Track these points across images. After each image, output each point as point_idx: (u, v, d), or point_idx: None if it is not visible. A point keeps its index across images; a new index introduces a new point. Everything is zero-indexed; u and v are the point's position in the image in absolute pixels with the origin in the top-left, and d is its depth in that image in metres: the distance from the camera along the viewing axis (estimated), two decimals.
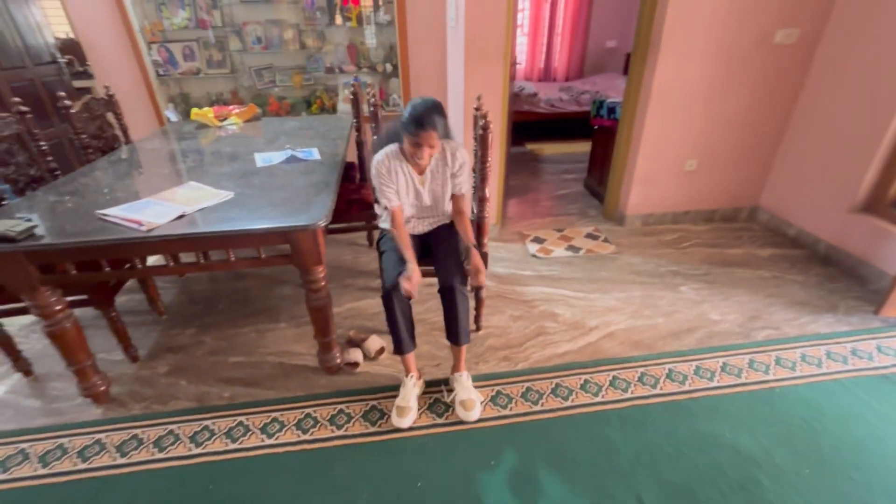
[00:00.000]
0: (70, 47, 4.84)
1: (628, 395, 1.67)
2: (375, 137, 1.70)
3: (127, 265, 1.49)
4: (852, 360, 1.82)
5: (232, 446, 1.50)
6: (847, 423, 1.54)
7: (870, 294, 2.21)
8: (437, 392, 1.69)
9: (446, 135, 1.48)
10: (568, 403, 1.64)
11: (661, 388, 1.70)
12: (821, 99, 2.52)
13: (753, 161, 2.86)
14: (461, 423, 1.56)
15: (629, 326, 2.04)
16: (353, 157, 2.73)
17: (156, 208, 1.44)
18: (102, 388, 1.66)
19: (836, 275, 2.39)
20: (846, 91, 2.37)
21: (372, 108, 2.10)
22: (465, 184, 1.62)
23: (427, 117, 1.38)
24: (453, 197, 1.65)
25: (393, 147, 1.55)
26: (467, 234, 1.63)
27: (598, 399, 1.66)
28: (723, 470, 1.38)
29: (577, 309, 2.17)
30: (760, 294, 2.26)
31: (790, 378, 1.74)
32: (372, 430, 1.55)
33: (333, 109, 3.30)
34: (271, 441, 1.51)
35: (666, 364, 1.82)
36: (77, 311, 1.59)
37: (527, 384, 1.73)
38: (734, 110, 2.67)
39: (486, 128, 1.55)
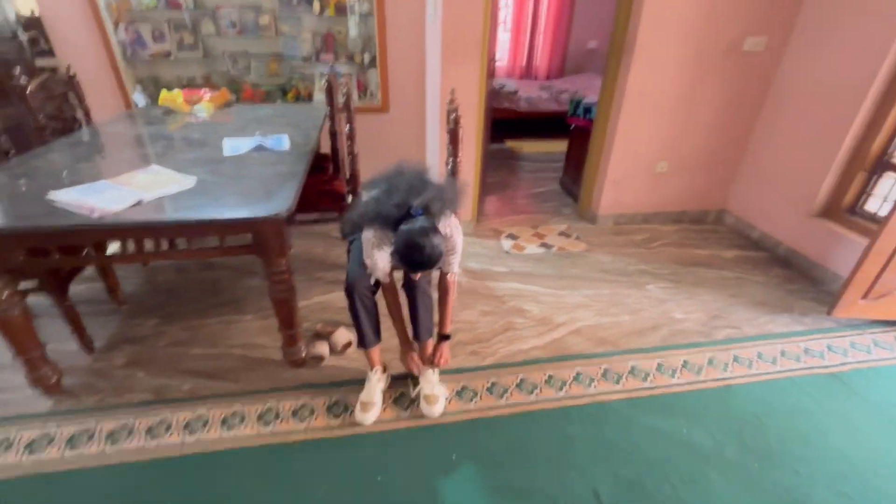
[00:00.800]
0: (34, 24, 4.62)
1: (591, 390, 1.71)
2: (351, 214, 1.44)
3: (83, 252, 1.43)
4: (804, 359, 1.89)
5: (189, 439, 1.46)
6: (795, 418, 1.60)
7: (824, 295, 2.31)
8: (404, 386, 1.68)
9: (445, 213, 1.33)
10: (532, 398, 1.66)
11: (623, 385, 1.74)
12: (783, 107, 2.61)
13: (721, 165, 2.93)
14: (425, 417, 1.57)
15: (595, 323, 2.08)
16: (327, 148, 2.68)
17: (112, 193, 1.39)
18: (53, 380, 1.60)
19: (794, 276, 2.49)
20: (807, 101, 2.45)
21: (344, 99, 2.06)
22: (455, 263, 1.47)
23: (422, 259, 1.19)
24: (441, 273, 1.51)
25: (387, 235, 1.31)
26: (445, 318, 1.57)
27: (562, 394, 1.68)
28: (675, 464, 1.42)
29: (545, 305, 2.19)
30: (723, 294, 2.33)
31: (746, 375, 1.80)
32: (335, 423, 1.54)
33: (309, 98, 3.23)
34: (231, 434, 1.49)
35: (629, 361, 1.86)
36: (31, 299, 1.52)
37: (492, 379, 1.74)
38: (704, 115, 2.73)
39: (456, 122, 1.54)
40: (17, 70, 2.01)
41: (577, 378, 1.76)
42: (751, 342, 1.98)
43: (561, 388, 1.71)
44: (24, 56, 3.59)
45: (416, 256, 1.19)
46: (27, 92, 2.00)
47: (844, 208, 2.36)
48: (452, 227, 1.38)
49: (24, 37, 3.64)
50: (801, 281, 2.45)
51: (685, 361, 1.86)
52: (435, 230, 1.22)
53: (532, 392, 1.69)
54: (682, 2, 2.36)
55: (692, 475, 1.38)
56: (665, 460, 1.43)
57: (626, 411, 1.62)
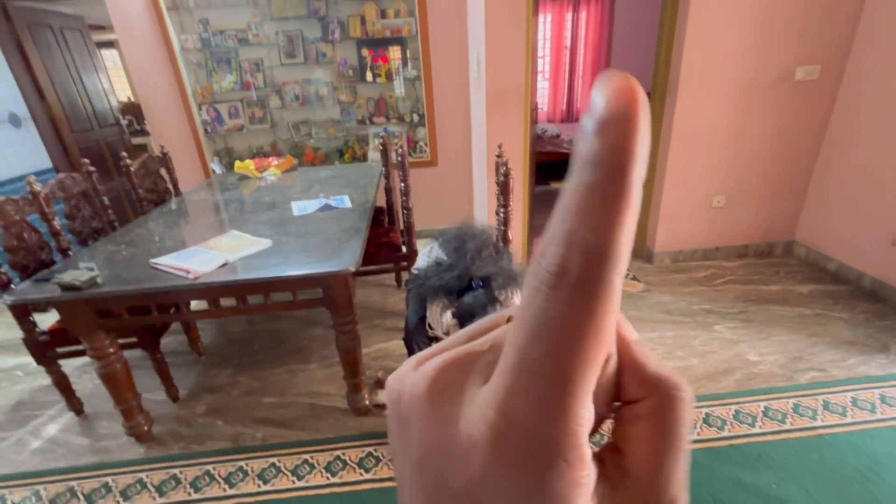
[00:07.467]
0: (130, 109, 5.39)
1: None
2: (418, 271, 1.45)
3: (173, 310, 1.60)
4: None
5: (264, 488, 1.53)
6: None
7: None
8: None
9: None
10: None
11: (698, 434, 1.63)
12: (851, 131, 2.49)
13: (784, 195, 2.80)
14: None
15: None
16: (381, 202, 2.86)
17: (201, 256, 1.56)
18: (146, 428, 1.74)
19: (885, 312, 2.27)
20: (878, 122, 2.33)
21: (399, 158, 2.22)
22: None
23: None
24: None
25: (451, 301, 1.36)
26: None
27: None
28: None
29: None
30: (802, 333, 2.16)
31: (840, 424, 1.64)
32: None
33: (364, 158, 3.49)
34: (301, 483, 1.53)
35: (702, 408, 1.74)
36: (126, 353, 1.70)
37: None
38: (759, 146, 2.66)
39: (507, 174, 1.62)
40: (124, 153, 2.33)
41: None
42: (842, 386, 1.81)
43: None
44: (124, 137, 4.18)
45: None
46: (131, 170, 2.31)
47: None
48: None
49: (123, 121, 4.25)
50: (894, 316, 2.22)
51: (766, 408, 1.73)
52: (494, 301, 1.25)
53: (598, 443, 1.61)
54: (724, 37, 2.38)
55: None
56: None
57: (705, 462, 1.51)
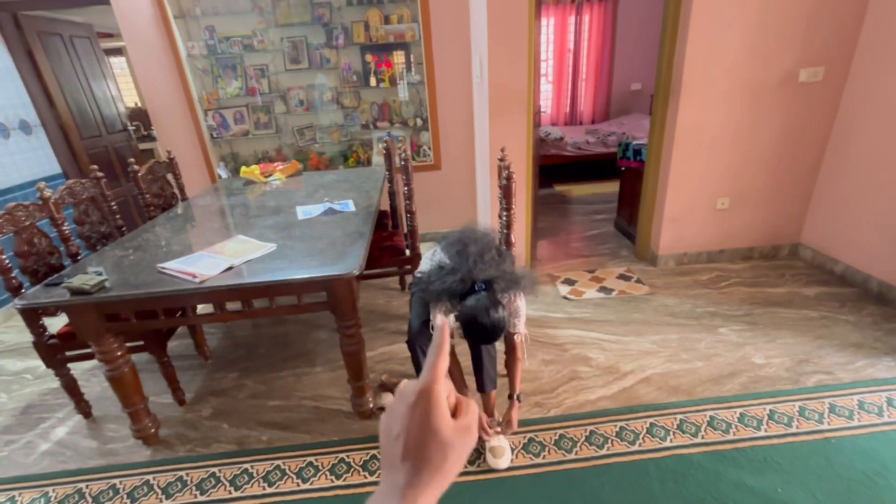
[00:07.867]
0: (137, 115, 5.45)
1: (667, 443, 1.61)
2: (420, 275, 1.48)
3: (180, 313, 1.62)
4: None
5: (269, 490, 1.54)
6: None
7: None
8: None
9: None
10: (603, 452, 1.59)
11: (702, 437, 1.62)
12: (856, 132, 2.48)
13: (790, 197, 2.79)
14: (492, 470, 1.54)
15: (666, 371, 1.98)
16: (385, 205, 2.87)
17: (207, 261, 1.58)
18: (152, 431, 1.76)
19: (892, 314, 2.25)
20: (883, 123, 2.31)
21: (403, 162, 2.24)
22: (520, 324, 1.52)
23: (486, 335, 1.24)
24: (507, 333, 1.52)
25: (454, 305, 1.35)
26: (513, 378, 1.58)
27: (635, 448, 1.60)
28: None
29: (610, 352, 2.13)
30: (808, 336, 2.14)
31: (847, 428, 1.63)
32: None
33: (368, 162, 3.51)
34: (306, 486, 1.54)
35: (707, 411, 1.74)
36: (133, 357, 1.72)
37: (560, 431, 1.69)
38: (763, 148, 2.65)
39: (509, 178, 1.62)
40: (132, 159, 2.36)
41: (650, 430, 1.67)
42: (848, 389, 1.79)
43: (634, 442, 1.63)
44: (131, 143, 4.22)
45: (480, 333, 1.24)
46: (139, 175, 2.34)
47: None
48: (518, 297, 1.44)
49: (131, 127, 4.30)
50: None
51: (772, 412, 1.72)
52: (497, 304, 1.24)
53: (603, 446, 1.62)
54: (727, 39, 2.38)
55: None
56: None
57: (710, 466, 1.50)
